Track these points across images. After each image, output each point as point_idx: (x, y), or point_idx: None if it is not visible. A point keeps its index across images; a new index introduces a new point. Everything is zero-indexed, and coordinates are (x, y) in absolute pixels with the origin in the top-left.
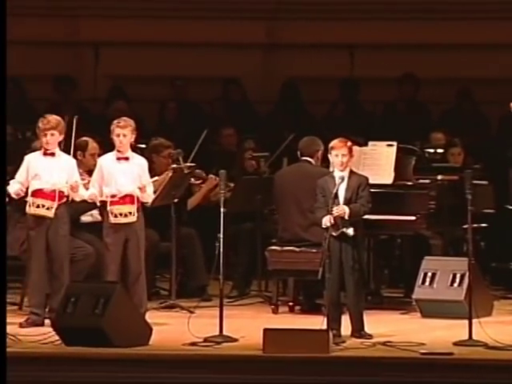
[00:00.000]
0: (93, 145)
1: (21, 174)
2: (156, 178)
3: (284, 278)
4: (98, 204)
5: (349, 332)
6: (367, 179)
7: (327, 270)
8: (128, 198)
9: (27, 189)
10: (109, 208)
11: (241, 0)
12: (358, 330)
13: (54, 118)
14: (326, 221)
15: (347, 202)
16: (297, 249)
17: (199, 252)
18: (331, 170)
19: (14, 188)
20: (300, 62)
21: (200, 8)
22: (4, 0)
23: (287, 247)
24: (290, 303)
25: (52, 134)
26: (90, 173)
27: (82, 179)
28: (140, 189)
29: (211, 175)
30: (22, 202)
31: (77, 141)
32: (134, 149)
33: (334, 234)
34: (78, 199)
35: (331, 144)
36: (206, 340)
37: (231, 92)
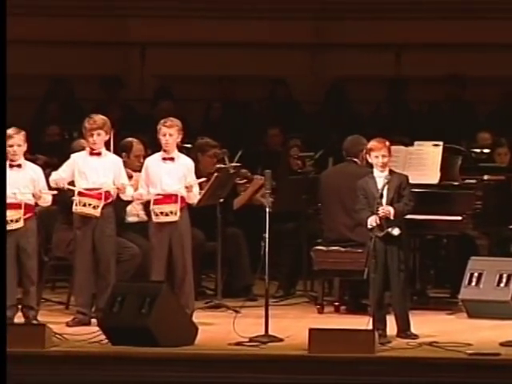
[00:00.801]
0: (138, 146)
1: (64, 170)
2: (203, 179)
3: (329, 278)
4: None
5: (395, 332)
6: (407, 178)
7: (372, 270)
8: (172, 198)
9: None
10: (151, 207)
11: (289, 0)
12: (404, 330)
13: (100, 118)
14: (372, 221)
15: (390, 202)
16: (342, 249)
17: (245, 252)
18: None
19: (54, 176)
20: (347, 61)
21: (248, 8)
22: (4, 0)
23: (333, 247)
24: (336, 303)
25: (98, 134)
26: (135, 172)
27: (129, 176)
28: (186, 188)
29: (257, 175)
30: (67, 203)
31: (122, 142)
32: (180, 149)
33: (379, 234)
34: (125, 199)
35: (369, 145)
36: (251, 340)
37: (278, 92)
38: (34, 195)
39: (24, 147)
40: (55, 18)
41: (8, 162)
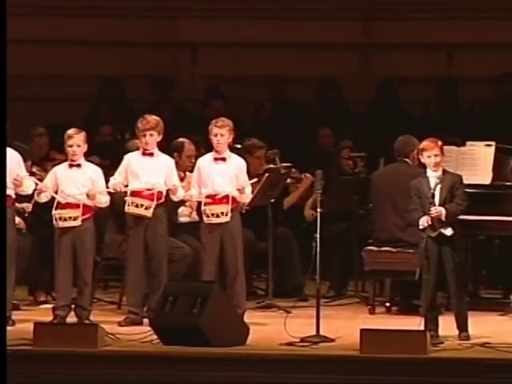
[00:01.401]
0: (189, 147)
1: (120, 173)
2: (254, 179)
3: (381, 278)
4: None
5: (446, 333)
6: (461, 177)
7: (425, 270)
8: (224, 199)
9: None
10: (202, 208)
11: (338, 0)
12: (462, 331)
13: (153, 119)
14: (424, 222)
15: (443, 202)
16: (393, 249)
17: (296, 252)
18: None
19: (112, 182)
20: (397, 61)
21: (297, 8)
22: (4, 0)
23: (384, 248)
24: (387, 304)
25: (151, 135)
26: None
27: (181, 178)
28: (239, 190)
29: (308, 174)
30: (119, 204)
31: (173, 142)
32: (231, 149)
33: (431, 234)
34: (176, 200)
35: (421, 145)
36: (302, 340)
37: (328, 92)
38: (88, 196)
39: (84, 147)
40: (107, 18)
41: (68, 162)
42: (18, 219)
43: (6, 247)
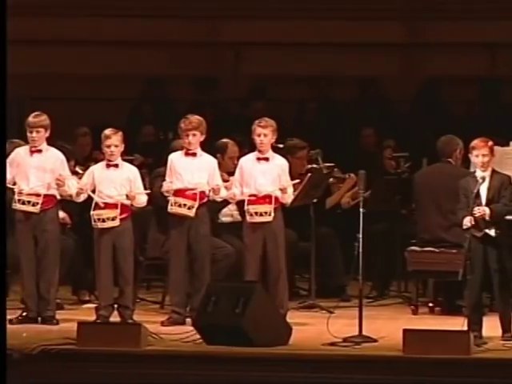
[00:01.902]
0: (233, 148)
1: (168, 175)
2: (297, 180)
3: (423, 278)
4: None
5: (490, 333)
6: (510, 178)
7: (468, 271)
8: (266, 198)
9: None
10: (246, 208)
11: (381, 0)
12: (506, 331)
13: (195, 119)
14: (467, 222)
15: (489, 202)
16: (436, 249)
17: (338, 252)
18: (472, 170)
19: (165, 186)
20: (440, 61)
21: (340, 8)
22: (4, 0)
23: (427, 248)
24: (430, 304)
25: (194, 135)
26: (229, 174)
27: (225, 180)
28: (281, 190)
29: (351, 174)
30: (161, 204)
31: (217, 142)
32: (274, 149)
33: (477, 234)
34: (218, 200)
35: (472, 144)
36: (345, 340)
37: (370, 92)
38: (127, 196)
39: (121, 147)
40: (149, 18)
41: (105, 162)
42: (62, 214)
43: (5, 247)
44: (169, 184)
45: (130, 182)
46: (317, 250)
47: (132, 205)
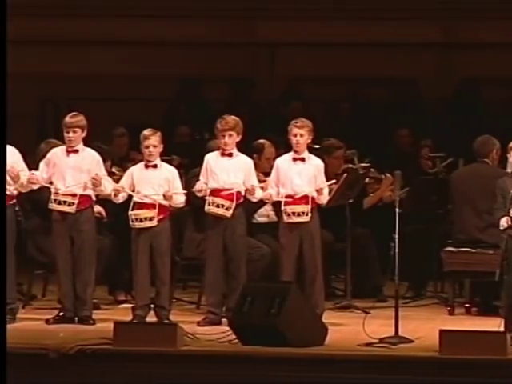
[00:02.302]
0: (270, 149)
1: (203, 174)
2: (333, 181)
3: (460, 279)
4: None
5: None
6: None
7: (505, 271)
8: (303, 199)
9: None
10: (283, 208)
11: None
12: None
13: (232, 119)
14: (504, 222)
15: None
16: (473, 250)
17: (374, 252)
18: (509, 170)
19: (197, 185)
20: (477, 61)
21: (375, 8)
22: (4, 0)
23: (463, 248)
24: (467, 305)
25: (230, 135)
26: (265, 174)
27: (261, 181)
28: (317, 191)
29: (388, 174)
30: (198, 204)
31: (254, 143)
32: (310, 149)
33: None
34: (254, 200)
35: (510, 144)
36: (381, 341)
37: (406, 92)
38: (165, 196)
39: (160, 148)
40: (185, 19)
41: (144, 163)
42: (98, 208)
43: (5, 247)
44: (202, 184)
45: (169, 183)
46: (353, 251)
47: (170, 205)
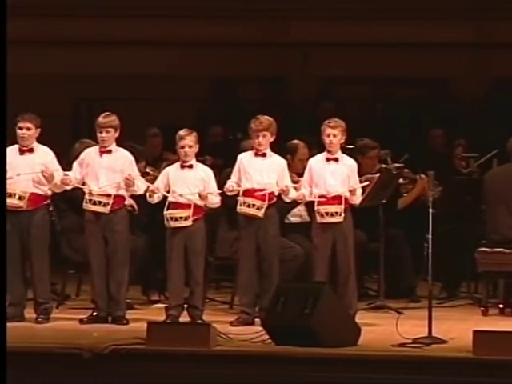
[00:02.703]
0: (303, 150)
1: (235, 174)
2: (367, 182)
3: (494, 279)
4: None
5: None
6: None
7: None
8: (336, 199)
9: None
10: (316, 208)
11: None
12: None
13: (265, 119)
14: None
15: None
16: (507, 250)
17: (407, 253)
18: None
19: (228, 183)
20: (509, 60)
21: (408, 8)
22: (4, 0)
23: (497, 248)
24: (501, 305)
25: (264, 135)
26: (299, 175)
27: (294, 181)
28: (350, 191)
29: (422, 175)
30: (230, 204)
31: (287, 144)
32: (343, 149)
33: None
34: (287, 201)
35: None
36: (414, 341)
37: (439, 92)
38: (200, 196)
39: (195, 148)
40: (219, 20)
41: (179, 163)
42: (129, 201)
43: (5, 247)
44: (232, 184)
45: (204, 183)
46: (386, 251)
47: (205, 205)
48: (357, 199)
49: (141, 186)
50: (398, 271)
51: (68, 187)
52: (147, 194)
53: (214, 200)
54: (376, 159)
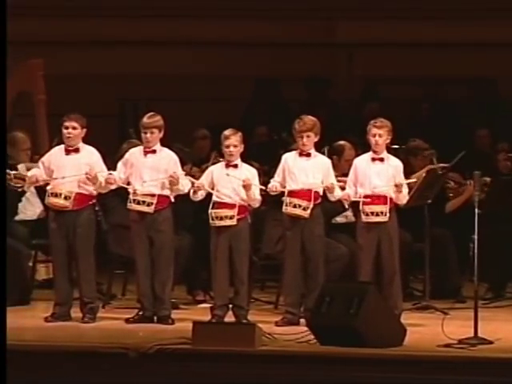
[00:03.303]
0: (350, 151)
1: (278, 174)
2: (414, 179)
3: None
4: (346, 205)
5: None
6: None
7: None
8: (381, 199)
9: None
10: (361, 207)
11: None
12: None
13: (310, 120)
14: None
15: None
16: None
17: (453, 253)
18: None
19: (271, 184)
20: None
21: (453, 8)
22: (4, 0)
23: None
24: None
25: (308, 136)
26: (344, 176)
27: (340, 181)
28: (396, 186)
29: (471, 181)
30: (276, 202)
31: (334, 144)
32: (389, 150)
33: None
34: (333, 200)
35: None
36: (460, 342)
37: (486, 92)
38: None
39: (240, 148)
40: (263, 20)
41: (224, 162)
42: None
43: (5, 246)
44: (275, 184)
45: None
46: (431, 251)
47: (249, 205)
48: (403, 198)
49: (185, 184)
50: (443, 271)
51: (112, 187)
52: (191, 191)
53: (256, 200)
54: (427, 160)
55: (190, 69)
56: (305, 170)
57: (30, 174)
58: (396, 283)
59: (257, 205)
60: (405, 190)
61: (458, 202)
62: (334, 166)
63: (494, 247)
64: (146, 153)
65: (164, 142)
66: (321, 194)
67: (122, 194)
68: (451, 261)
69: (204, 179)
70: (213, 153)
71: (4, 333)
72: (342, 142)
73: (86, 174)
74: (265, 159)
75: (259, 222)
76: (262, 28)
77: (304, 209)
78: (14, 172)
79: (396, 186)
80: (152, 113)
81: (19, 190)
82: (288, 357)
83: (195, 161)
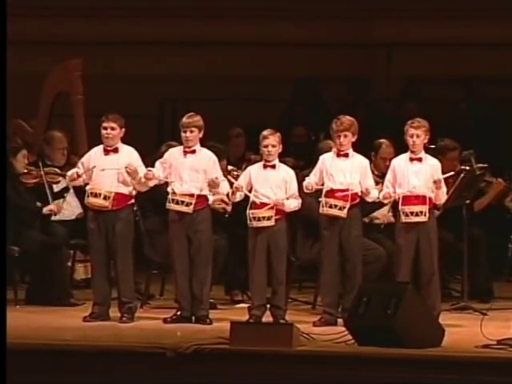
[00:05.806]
0: (387, 149)
1: (315, 174)
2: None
3: None
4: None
5: None
6: None
7: None
8: (420, 199)
9: None
10: (400, 208)
11: None
12: None
13: (347, 120)
14: None
15: None
16: None
17: (484, 253)
18: None
19: (307, 182)
20: None
21: (492, 8)
22: (4, 0)
23: None
24: None
25: (345, 136)
26: (381, 174)
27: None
28: (434, 182)
29: (499, 179)
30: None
31: (374, 142)
32: (426, 150)
33: None
34: (369, 201)
35: None
36: (499, 342)
37: None
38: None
39: (279, 148)
40: (302, 20)
41: (262, 163)
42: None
43: (5, 247)
44: (311, 182)
45: (286, 184)
46: (469, 251)
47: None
48: (443, 196)
49: (224, 187)
50: (475, 272)
51: (151, 183)
52: (230, 191)
53: (293, 204)
54: (456, 160)
55: (229, 69)
56: (342, 170)
57: (69, 173)
58: (434, 284)
59: (295, 209)
60: (444, 188)
61: (485, 200)
62: (371, 163)
63: None
64: (185, 153)
65: (202, 142)
66: (359, 194)
67: (156, 199)
68: (482, 261)
69: (242, 179)
70: (247, 153)
71: (4, 333)
72: (381, 140)
73: (126, 167)
74: (303, 159)
75: (295, 222)
76: (301, 28)
77: (340, 208)
78: (46, 168)
79: (435, 182)
80: (192, 113)
81: (54, 184)
82: (326, 357)
83: (230, 159)
